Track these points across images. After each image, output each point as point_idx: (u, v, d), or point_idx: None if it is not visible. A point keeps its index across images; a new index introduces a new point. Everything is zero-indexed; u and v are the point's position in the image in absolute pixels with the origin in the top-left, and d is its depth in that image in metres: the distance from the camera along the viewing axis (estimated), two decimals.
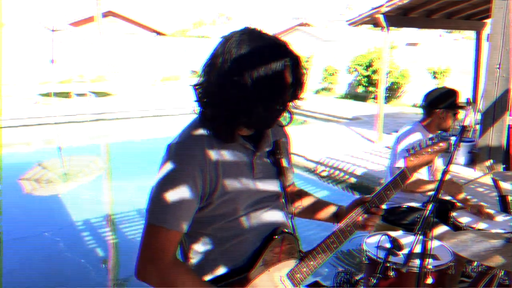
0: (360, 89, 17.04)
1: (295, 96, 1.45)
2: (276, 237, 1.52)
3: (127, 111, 13.46)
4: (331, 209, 1.77)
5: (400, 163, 3.05)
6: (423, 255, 2.07)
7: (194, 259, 1.51)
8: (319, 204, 1.81)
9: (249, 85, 1.33)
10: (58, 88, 16.34)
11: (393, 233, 2.62)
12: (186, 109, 14.07)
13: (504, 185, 3.42)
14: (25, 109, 12.69)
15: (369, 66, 16.14)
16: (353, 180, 7.15)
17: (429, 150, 1.74)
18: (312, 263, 1.54)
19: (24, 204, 6.27)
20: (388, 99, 14.85)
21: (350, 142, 9.20)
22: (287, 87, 1.39)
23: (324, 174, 7.58)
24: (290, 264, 1.54)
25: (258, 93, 1.35)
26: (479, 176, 5.30)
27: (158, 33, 28.26)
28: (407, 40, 23.79)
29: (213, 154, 1.41)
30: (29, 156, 9.26)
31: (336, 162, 7.59)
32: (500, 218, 3.01)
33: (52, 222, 5.46)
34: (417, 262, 2.23)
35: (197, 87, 1.43)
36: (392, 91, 15.76)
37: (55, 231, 5.20)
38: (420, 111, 3.09)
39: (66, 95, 15.50)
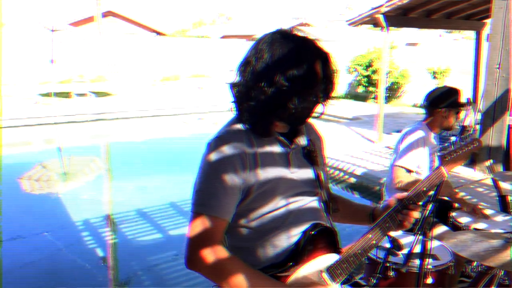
0: (360, 89, 17.05)
1: (326, 94, 1.52)
2: (314, 231, 1.53)
3: (127, 111, 13.46)
4: (367, 210, 1.80)
5: (405, 164, 3.05)
6: (423, 255, 2.07)
7: (234, 252, 1.50)
8: (354, 207, 1.85)
9: (282, 80, 1.41)
10: (58, 88, 16.34)
11: (393, 233, 2.62)
12: (186, 109, 14.11)
13: (504, 185, 3.42)
14: (25, 109, 12.69)
15: (369, 66, 16.15)
16: (353, 180, 7.15)
17: (465, 149, 1.75)
18: (352, 259, 1.52)
19: (24, 204, 6.28)
20: (388, 99, 14.85)
21: (350, 142, 9.21)
22: (318, 80, 1.46)
23: None
24: (330, 258, 1.53)
25: (291, 87, 1.41)
26: (482, 178, 5.31)
27: (158, 33, 28.26)
28: (407, 40, 23.78)
29: (251, 147, 1.48)
30: (29, 156, 9.26)
31: (336, 162, 7.60)
32: (499, 218, 3.01)
33: (52, 222, 5.46)
34: (417, 262, 2.23)
35: (234, 86, 1.50)
36: (392, 91, 15.76)
37: (55, 231, 5.20)
38: (420, 111, 3.11)
39: (66, 95, 15.51)
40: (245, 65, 1.47)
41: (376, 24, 8.98)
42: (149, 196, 6.52)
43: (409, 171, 3.05)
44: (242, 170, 1.44)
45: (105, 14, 24.87)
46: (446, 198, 3.38)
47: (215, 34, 32.65)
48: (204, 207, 1.43)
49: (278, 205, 1.50)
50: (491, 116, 6.51)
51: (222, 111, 14.89)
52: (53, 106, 13.38)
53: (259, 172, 1.47)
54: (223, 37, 30.63)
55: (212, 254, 1.40)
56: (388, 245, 2.39)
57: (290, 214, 1.52)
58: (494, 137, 6.53)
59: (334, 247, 1.58)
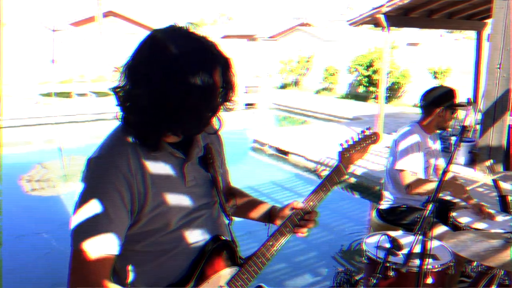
0: (360, 89, 17.04)
1: (225, 98, 1.35)
2: (212, 247, 1.45)
3: None
4: (264, 208, 1.70)
5: (407, 167, 3.04)
6: (423, 255, 2.07)
7: (127, 279, 1.40)
8: (253, 203, 1.73)
9: (175, 92, 1.22)
10: (58, 88, 16.36)
11: (392, 233, 2.62)
12: None
13: (504, 185, 3.41)
14: (26, 109, 12.70)
15: (369, 66, 16.14)
16: (353, 180, 7.15)
17: (363, 144, 1.78)
18: (253, 268, 1.45)
19: (24, 204, 6.28)
20: (388, 99, 14.85)
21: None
22: (217, 92, 1.29)
23: (324, 174, 7.57)
24: (230, 272, 1.46)
25: (186, 100, 1.23)
26: (485, 179, 5.30)
27: None
28: (408, 40, 23.78)
29: (139, 166, 1.29)
30: (29, 156, 9.27)
31: (336, 162, 7.57)
32: (500, 218, 3.01)
33: (52, 222, 5.46)
34: (416, 262, 2.23)
35: (118, 90, 1.30)
36: (392, 91, 15.75)
37: (55, 231, 5.20)
38: (420, 111, 3.09)
39: (66, 95, 15.52)
40: (132, 67, 1.27)
41: (377, 24, 8.97)
42: None
43: (413, 173, 3.04)
44: (129, 195, 1.26)
45: (106, 14, 24.89)
46: (446, 198, 3.39)
47: (216, 34, 32.66)
48: (86, 243, 1.22)
49: (173, 226, 1.37)
50: (491, 116, 6.50)
51: (227, 111, 14.88)
52: (53, 106, 13.38)
53: (150, 194, 1.30)
54: (224, 37, 30.63)
55: None
56: (388, 245, 2.39)
57: (185, 233, 1.41)
58: (494, 137, 6.52)
59: (233, 260, 1.49)
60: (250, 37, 29.49)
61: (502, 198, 3.39)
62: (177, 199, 1.38)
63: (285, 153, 8.56)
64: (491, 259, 2.02)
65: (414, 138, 3.09)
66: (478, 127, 6.90)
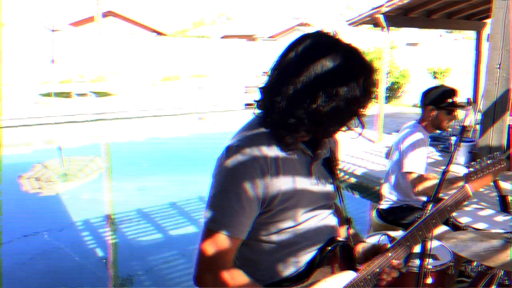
0: None
1: (363, 106, 1.39)
2: (330, 247, 1.46)
3: (127, 111, 13.47)
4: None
5: (415, 168, 3.00)
6: (423, 255, 2.07)
7: (245, 267, 1.43)
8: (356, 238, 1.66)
9: (323, 97, 1.26)
10: (58, 88, 16.36)
11: (393, 233, 2.62)
12: (186, 109, 14.12)
13: (504, 185, 3.41)
14: (26, 109, 12.69)
15: None
16: (353, 180, 7.15)
17: (491, 169, 1.65)
18: (369, 277, 1.44)
19: (24, 204, 6.28)
20: (388, 99, 14.85)
21: (350, 142, 9.19)
22: (360, 98, 1.32)
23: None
24: (348, 276, 1.45)
25: (332, 107, 1.28)
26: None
27: (158, 33, 28.26)
28: (407, 40, 23.79)
29: (274, 159, 1.34)
30: (29, 156, 9.26)
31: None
32: (500, 218, 3.01)
33: (52, 222, 5.46)
34: (417, 262, 2.23)
35: (264, 91, 1.36)
36: (392, 91, 15.76)
37: (55, 231, 5.20)
38: (420, 110, 3.11)
39: (66, 95, 15.51)
40: (281, 68, 1.32)
41: (376, 24, 8.97)
42: (149, 196, 6.52)
43: (420, 175, 3.00)
44: (262, 183, 1.32)
45: (105, 14, 24.88)
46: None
47: (216, 34, 32.66)
48: (218, 225, 1.32)
49: (299, 220, 1.41)
50: (491, 116, 6.50)
51: (223, 111, 14.92)
52: (53, 106, 13.38)
53: (281, 184, 1.35)
54: (224, 37, 30.64)
55: (221, 276, 1.33)
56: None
57: (308, 229, 1.44)
58: (494, 137, 6.52)
59: (350, 264, 1.50)
60: (249, 37, 29.48)
61: (502, 198, 3.38)
62: (304, 194, 1.41)
63: None
64: (491, 259, 2.02)
65: (418, 135, 3.08)
66: (478, 127, 6.90)
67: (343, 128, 1.41)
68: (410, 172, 2.99)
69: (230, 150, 1.34)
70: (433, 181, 2.94)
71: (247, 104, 15.63)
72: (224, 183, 1.33)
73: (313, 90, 1.27)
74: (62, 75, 18.92)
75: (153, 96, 16.43)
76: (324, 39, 1.32)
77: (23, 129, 11.29)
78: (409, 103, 15.10)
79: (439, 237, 2.67)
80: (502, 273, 2.42)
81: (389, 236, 2.44)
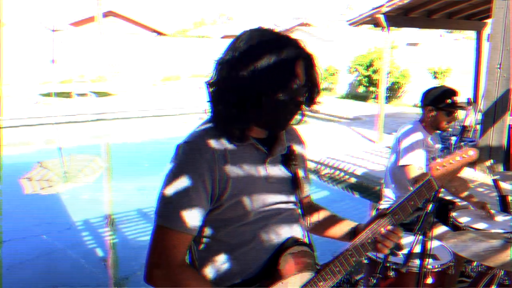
0: (360, 89, 17.05)
1: (310, 98, 1.42)
2: (288, 246, 1.44)
3: (127, 111, 13.47)
4: (348, 225, 1.63)
5: (412, 161, 3.00)
6: (423, 255, 2.07)
7: (202, 267, 1.45)
8: (336, 220, 1.67)
9: (258, 79, 1.30)
10: (58, 88, 16.36)
11: None
12: (186, 109, 14.11)
13: (504, 185, 3.41)
14: (26, 109, 12.70)
15: (369, 66, 16.14)
16: (353, 180, 7.15)
17: (457, 158, 1.58)
18: (329, 276, 1.42)
19: (24, 204, 6.28)
20: (388, 99, 14.85)
21: (351, 142, 9.20)
22: (298, 84, 1.35)
23: (323, 173, 7.57)
24: (306, 276, 1.43)
25: (267, 88, 1.31)
26: (485, 179, 5.30)
27: (159, 33, 28.26)
28: (408, 40, 23.78)
29: (222, 154, 1.37)
30: (29, 156, 9.26)
31: (336, 162, 7.59)
32: (500, 218, 3.01)
33: (52, 222, 5.46)
34: (417, 262, 2.23)
35: (209, 85, 1.40)
36: (392, 91, 15.76)
37: (55, 231, 5.20)
38: (420, 110, 3.12)
39: (66, 95, 15.52)
40: (222, 63, 1.36)
41: (376, 24, 8.98)
42: (149, 196, 6.52)
43: (419, 167, 3.00)
44: (211, 180, 1.34)
45: (105, 14, 24.89)
46: (446, 198, 3.38)
47: (216, 34, 32.65)
48: (167, 220, 1.33)
49: (250, 217, 1.40)
50: (491, 116, 6.50)
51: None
52: (53, 106, 13.38)
53: (230, 181, 1.36)
54: (224, 37, 30.62)
55: (169, 272, 1.32)
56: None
57: (263, 227, 1.42)
58: (494, 137, 6.52)
59: (310, 265, 1.46)
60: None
61: (502, 198, 3.38)
62: (257, 191, 1.41)
63: None
64: (491, 259, 2.02)
65: (418, 135, 3.08)
66: (478, 127, 6.90)
67: (293, 120, 1.42)
68: (408, 165, 2.99)
69: (179, 148, 1.38)
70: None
71: None
72: (173, 181, 1.35)
73: (246, 77, 1.30)
74: (62, 75, 18.92)
75: (153, 96, 16.43)
76: (262, 33, 1.36)
77: (23, 129, 11.29)
78: (409, 103, 15.10)
79: (439, 237, 2.67)
80: (502, 273, 2.41)
81: None
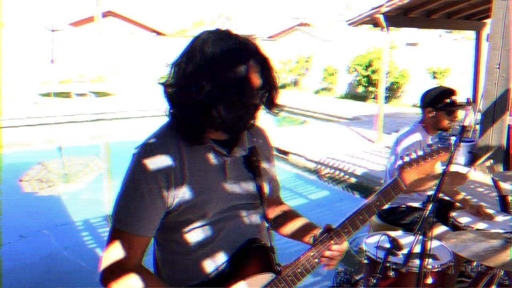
0: (360, 89, 17.05)
1: (269, 100, 1.42)
2: (248, 248, 1.44)
3: (127, 111, 13.47)
4: (315, 228, 1.60)
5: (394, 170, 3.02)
6: (423, 255, 2.07)
7: (164, 269, 1.45)
8: (302, 223, 1.65)
9: (211, 84, 1.30)
10: (58, 88, 16.35)
11: (392, 233, 2.62)
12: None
13: (504, 185, 3.42)
14: (25, 109, 12.69)
15: (368, 66, 16.15)
16: (353, 180, 7.15)
17: (428, 158, 1.59)
18: (291, 278, 1.41)
19: (24, 204, 6.27)
20: (388, 99, 14.85)
21: (350, 142, 9.20)
22: (251, 89, 1.34)
23: (323, 173, 7.58)
24: (266, 278, 1.43)
25: (221, 91, 1.30)
26: (485, 179, 5.31)
27: (158, 33, 28.24)
28: (407, 40, 23.78)
29: (179, 156, 1.36)
30: (29, 156, 9.26)
31: (336, 162, 7.60)
32: (500, 218, 3.01)
33: (52, 222, 5.46)
34: (416, 262, 2.23)
35: (166, 87, 1.39)
36: (392, 91, 15.76)
37: (55, 231, 5.20)
38: (419, 111, 3.12)
39: (66, 95, 15.51)
40: (177, 65, 1.36)
41: (376, 24, 8.98)
42: None
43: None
44: (166, 184, 1.33)
45: (105, 14, 24.88)
46: (446, 198, 3.38)
47: None
48: (123, 223, 1.34)
49: (209, 219, 1.40)
50: (491, 116, 6.51)
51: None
52: (53, 106, 13.37)
53: (187, 182, 1.36)
54: None
55: (122, 275, 1.31)
56: (388, 245, 2.39)
57: (223, 229, 1.42)
58: (494, 137, 6.53)
59: (270, 266, 1.45)
60: (249, 37, 29.45)
61: (502, 198, 3.39)
62: (215, 192, 1.41)
63: (285, 153, 8.56)
64: (491, 259, 2.02)
65: (416, 137, 3.08)
66: (477, 127, 6.90)
67: (247, 122, 1.41)
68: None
69: (136, 153, 1.37)
70: (429, 181, 2.96)
71: None
72: (129, 185, 1.36)
73: (200, 78, 1.30)
74: (62, 75, 18.91)
75: (153, 96, 16.43)
76: (218, 36, 1.36)
77: (23, 129, 11.28)
78: (408, 103, 15.10)
79: (439, 237, 2.67)
80: (502, 273, 2.42)
81: (389, 236, 2.45)
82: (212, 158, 1.42)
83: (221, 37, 1.35)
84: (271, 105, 1.44)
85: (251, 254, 1.44)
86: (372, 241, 2.56)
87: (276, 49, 22.17)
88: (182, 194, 1.35)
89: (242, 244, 1.44)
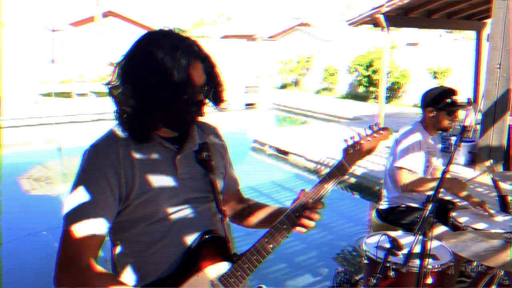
0: (360, 89, 17.04)
1: (216, 96, 1.47)
2: (202, 240, 1.45)
3: None
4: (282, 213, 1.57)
5: (406, 165, 3.02)
6: (423, 255, 2.07)
7: (121, 268, 1.46)
8: (269, 211, 1.67)
9: (154, 82, 1.33)
10: (58, 88, 16.34)
11: (392, 233, 2.62)
12: None
13: (504, 185, 3.41)
14: (26, 109, 12.70)
15: (369, 66, 16.15)
16: (353, 180, 7.15)
17: (369, 139, 1.64)
18: (247, 265, 1.42)
19: (24, 204, 6.28)
20: (388, 99, 14.85)
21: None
22: (193, 86, 1.37)
23: (323, 173, 7.58)
24: (223, 267, 1.45)
25: (164, 90, 1.34)
26: (478, 175, 5.31)
27: None
28: (408, 40, 23.78)
29: (128, 155, 1.39)
30: (29, 156, 9.26)
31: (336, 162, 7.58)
32: (500, 218, 3.01)
33: (52, 222, 5.45)
34: (417, 262, 2.23)
35: (111, 88, 1.42)
36: (392, 91, 15.76)
37: (55, 231, 5.19)
38: (420, 111, 3.12)
39: (66, 95, 15.51)
40: (120, 65, 1.40)
41: (376, 24, 8.98)
42: None
43: (410, 171, 3.04)
44: (117, 181, 1.36)
45: (105, 14, 24.91)
46: (446, 198, 3.38)
47: (216, 34, 32.65)
48: (74, 222, 1.35)
49: (160, 215, 1.41)
50: (491, 116, 6.50)
51: (221, 111, 14.91)
52: (53, 106, 13.38)
53: (137, 180, 1.38)
54: (224, 37, 30.62)
55: (74, 274, 1.32)
56: (388, 245, 2.39)
57: (175, 224, 1.43)
58: (494, 137, 6.52)
59: (225, 255, 1.48)
60: (249, 37, 29.47)
61: (502, 198, 3.39)
62: (166, 188, 1.43)
63: (285, 153, 8.56)
64: (491, 259, 2.02)
65: (416, 137, 3.08)
66: (478, 127, 6.90)
67: (192, 119, 1.45)
68: (399, 169, 3.01)
69: (85, 153, 1.41)
70: (426, 183, 2.97)
71: (247, 104, 15.64)
72: (79, 183, 1.38)
73: (141, 77, 1.34)
74: (62, 75, 18.91)
75: None
76: (162, 35, 1.40)
77: (23, 129, 11.29)
78: (409, 103, 15.10)
79: (439, 237, 2.67)
80: (502, 273, 2.41)
81: (389, 236, 2.44)
82: (161, 154, 1.44)
83: (162, 36, 1.38)
84: (218, 101, 1.49)
85: (206, 246, 1.46)
86: (372, 241, 2.55)
87: (276, 49, 22.19)
88: (132, 191, 1.38)
89: (197, 237, 1.46)
